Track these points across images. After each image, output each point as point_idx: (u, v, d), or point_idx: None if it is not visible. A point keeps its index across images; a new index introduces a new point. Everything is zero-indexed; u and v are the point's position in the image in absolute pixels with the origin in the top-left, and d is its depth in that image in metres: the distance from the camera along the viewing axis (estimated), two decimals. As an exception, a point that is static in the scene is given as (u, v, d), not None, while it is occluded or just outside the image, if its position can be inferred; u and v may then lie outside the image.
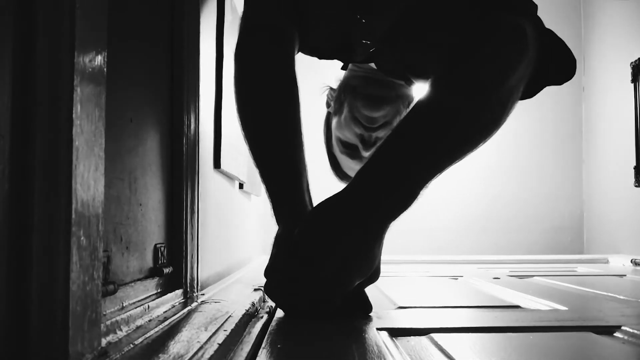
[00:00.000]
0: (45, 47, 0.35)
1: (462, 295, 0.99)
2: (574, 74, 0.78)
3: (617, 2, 2.26)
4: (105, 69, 0.40)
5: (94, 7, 0.39)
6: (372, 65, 0.99)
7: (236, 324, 0.57)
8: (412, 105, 1.00)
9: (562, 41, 0.77)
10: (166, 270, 0.68)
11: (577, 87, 2.60)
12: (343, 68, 1.02)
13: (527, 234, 2.58)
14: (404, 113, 1.00)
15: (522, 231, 2.58)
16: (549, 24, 0.75)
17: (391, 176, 0.66)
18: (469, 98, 0.68)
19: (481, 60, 0.68)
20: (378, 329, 0.59)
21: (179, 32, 0.78)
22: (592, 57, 2.53)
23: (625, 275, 1.36)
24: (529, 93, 0.75)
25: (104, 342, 0.43)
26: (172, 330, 0.53)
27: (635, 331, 0.58)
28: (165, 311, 0.62)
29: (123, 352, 0.43)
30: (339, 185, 1.08)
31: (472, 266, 1.65)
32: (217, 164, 1.05)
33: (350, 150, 1.04)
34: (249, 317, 0.66)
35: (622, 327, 0.59)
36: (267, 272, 0.68)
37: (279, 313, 0.70)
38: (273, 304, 0.75)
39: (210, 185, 1.01)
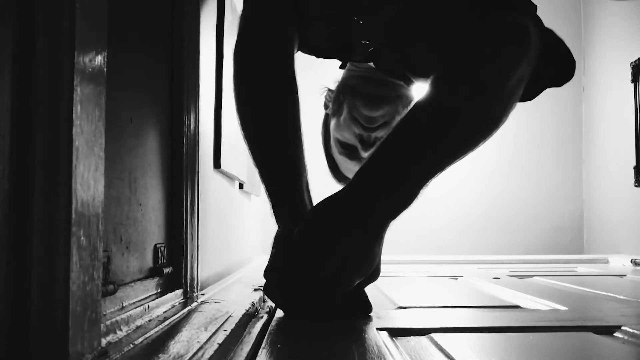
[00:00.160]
0: (45, 47, 0.35)
1: (462, 295, 0.99)
2: (573, 75, 0.78)
3: (617, 2, 2.26)
4: (105, 69, 0.40)
5: (94, 7, 0.39)
6: (371, 64, 0.99)
7: (236, 324, 0.57)
8: (411, 105, 1.00)
9: (562, 41, 0.77)
10: (166, 270, 0.68)
11: (577, 87, 2.60)
12: (341, 67, 1.02)
13: (527, 234, 2.58)
14: (404, 113, 1.00)
15: (522, 231, 2.58)
16: (549, 24, 0.75)
17: (391, 175, 0.66)
18: (469, 98, 0.68)
19: (481, 60, 0.68)
20: (378, 329, 0.59)
21: (179, 32, 0.78)
22: (592, 57, 2.53)
23: (625, 275, 1.36)
24: (529, 95, 0.75)
25: (104, 342, 0.43)
26: (172, 330, 0.53)
27: (635, 331, 0.58)
28: (165, 311, 0.62)
29: (123, 352, 0.43)
30: (338, 185, 1.08)
31: (472, 266, 1.65)
32: (217, 164, 1.05)
33: (349, 151, 1.03)
34: (249, 317, 0.66)
35: (622, 327, 0.59)
36: (267, 273, 0.68)
37: (279, 313, 0.70)
38: (273, 304, 0.75)
39: (210, 185, 1.01)
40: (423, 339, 0.56)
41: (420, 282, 1.19)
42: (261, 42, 0.80)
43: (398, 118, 0.99)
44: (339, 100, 1.04)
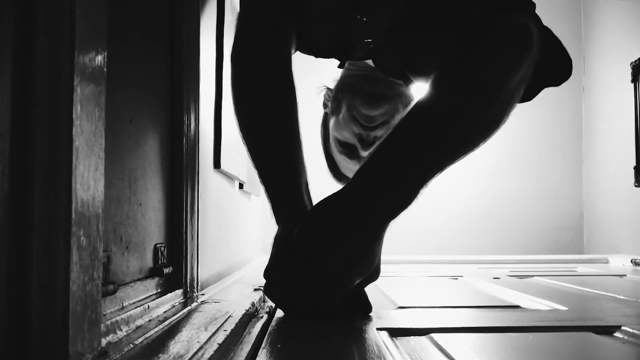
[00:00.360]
0: (45, 47, 0.35)
1: (462, 295, 0.99)
2: (571, 74, 0.78)
3: (617, 2, 2.26)
4: (105, 69, 0.40)
5: (94, 7, 0.39)
6: (370, 63, 0.98)
7: (236, 324, 0.57)
8: (410, 104, 1.00)
9: (559, 40, 0.77)
10: (166, 270, 0.68)
11: (577, 87, 2.60)
12: (340, 66, 1.01)
13: (526, 234, 2.58)
14: (403, 112, 1.00)
15: (521, 231, 2.58)
16: (548, 23, 0.75)
17: (391, 175, 0.66)
18: (470, 98, 0.68)
19: (482, 60, 0.68)
20: (378, 329, 0.59)
21: (179, 32, 0.78)
22: (592, 57, 2.53)
23: (625, 275, 1.36)
24: (528, 96, 0.75)
25: (104, 342, 0.43)
26: (172, 330, 0.53)
27: (635, 331, 0.58)
28: (165, 311, 0.62)
29: (123, 352, 0.43)
30: (338, 185, 1.08)
31: (472, 266, 1.65)
32: (217, 164, 1.05)
33: (349, 150, 1.03)
34: (249, 317, 0.66)
35: (622, 327, 0.59)
36: (267, 273, 0.68)
37: (279, 313, 0.70)
38: (273, 304, 0.75)
39: (210, 185, 1.01)
40: (423, 339, 0.56)
41: (420, 282, 1.19)
42: (258, 42, 0.80)
43: (397, 117, 0.99)
44: (337, 98, 1.03)
